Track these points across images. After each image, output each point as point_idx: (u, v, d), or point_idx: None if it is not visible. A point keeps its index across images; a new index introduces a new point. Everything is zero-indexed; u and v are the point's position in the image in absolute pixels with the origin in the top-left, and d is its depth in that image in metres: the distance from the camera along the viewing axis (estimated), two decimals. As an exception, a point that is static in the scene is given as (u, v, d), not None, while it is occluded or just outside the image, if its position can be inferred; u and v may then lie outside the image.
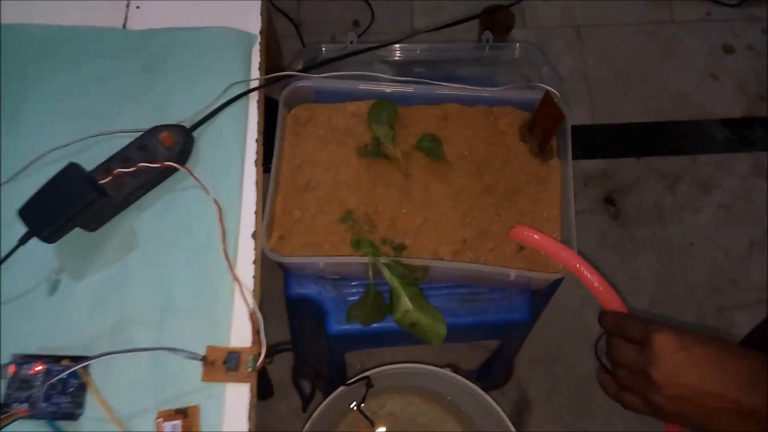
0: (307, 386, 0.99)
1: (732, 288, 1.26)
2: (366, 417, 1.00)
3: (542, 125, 0.68)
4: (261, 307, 0.59)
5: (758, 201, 1.33)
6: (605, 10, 1.50)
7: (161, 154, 0.60)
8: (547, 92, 0.65)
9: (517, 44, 0.77)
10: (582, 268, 0.56)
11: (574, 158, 0.68)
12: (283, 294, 0.71)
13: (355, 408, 0.99)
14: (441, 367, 0.92)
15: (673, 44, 1.47)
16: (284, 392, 1.13)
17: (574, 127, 0.68)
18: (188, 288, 0.58)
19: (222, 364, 0.55)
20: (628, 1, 1.51)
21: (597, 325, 0.55)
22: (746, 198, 1.33)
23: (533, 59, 0.76)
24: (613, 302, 0.54)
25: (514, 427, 0.88)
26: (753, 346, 0.82)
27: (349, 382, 0.84)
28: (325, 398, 0.90)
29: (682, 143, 1.39)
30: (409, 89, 0.70)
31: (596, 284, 0.54)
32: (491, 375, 1.10)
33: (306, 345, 0.86)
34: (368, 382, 0.90)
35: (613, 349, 0.51)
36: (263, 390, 1.10)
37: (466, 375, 0.95)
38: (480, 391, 0.89)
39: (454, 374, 0.89)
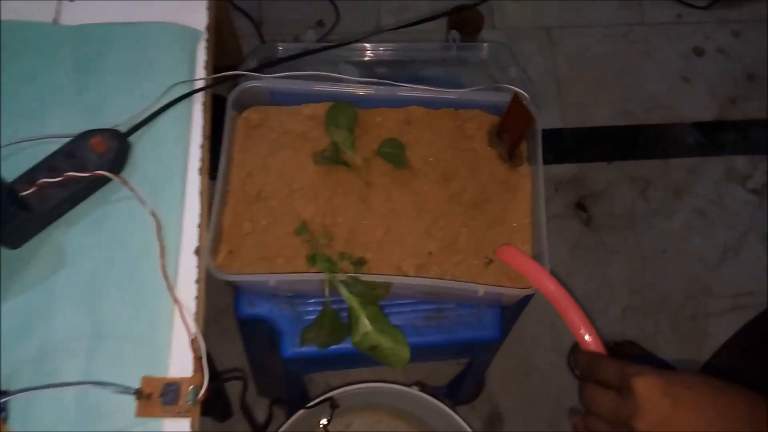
0: (262, 411, 0.93)
1: (706, 295, 1.24)
2: (332, 437, 0.94)
3: (511, 129, 0.64)
4: (205, 332, 0.53)
5: (731, 205, 1.31)
6: (576, 12, 1.47)
7: (92, 162, 0.54)
8: (516, 94, 0.61)
9: (485, 44, 0.73)
10: (564, 302, 0.51)
11: (544, 163, 0.64)
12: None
13: (321, 426, 0.94)
14: (408, 385, 0.88)
15: (644, 47, 1.45)
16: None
17: (544, 131, 0.64)
18: (122, 312, 0.52)
19: (159, 397, 0.50)
20: (600, 2, 1.48)
21: (569, 335, 0.50)
22: (719, 203, 1.31)
23: (501, 60, 0.71)
24: (591, 342, 0.49)
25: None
26: (731, 355, 0.79)
27: (310, 404, 0.79)
28: (286, 421, 0.84)
29: (654, 147, 1.37)
30: (370, 90, 0.65)
31: (576, 321, 0.50)
32: (462, 390, 1.05)
33: (262, 367, 0.80)
34: (333, 403, 0.85)
35: (586, 395, 0.46)
36: (221, 411, 1.04)
37: (435, 391, 0.90)
38: (448, 410, 0.85)
39: (420, 393, 0.85)
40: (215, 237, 0.58)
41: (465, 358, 0.90)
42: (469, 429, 0.85)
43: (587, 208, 1.30)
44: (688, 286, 1.25)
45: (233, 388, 1.07)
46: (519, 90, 0.63)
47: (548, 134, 0.64)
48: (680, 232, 1.29)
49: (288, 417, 0.85)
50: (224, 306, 0.63)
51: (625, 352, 1.16)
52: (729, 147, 1.37)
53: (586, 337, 0.50)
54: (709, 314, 1.22)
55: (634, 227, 1.29)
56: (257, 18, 1.38)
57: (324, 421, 0.92)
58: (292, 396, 0.87)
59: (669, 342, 1.20)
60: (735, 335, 0.80)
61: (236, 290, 0.65)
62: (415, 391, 0.86)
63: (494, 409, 1.14)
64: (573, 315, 0.50)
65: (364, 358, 0.60)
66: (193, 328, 0.52)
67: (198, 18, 0.63)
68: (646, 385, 0.40)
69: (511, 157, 0.66)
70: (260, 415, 1.05)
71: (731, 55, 1.45)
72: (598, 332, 0.50)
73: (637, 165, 1.34)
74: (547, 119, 1.36)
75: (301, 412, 0.81)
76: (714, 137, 1.37)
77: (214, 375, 0.52)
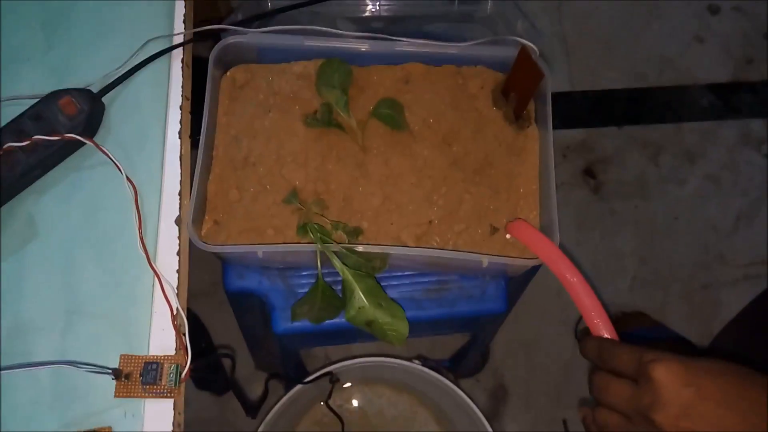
0: (261, 385, 0.91)
1: (718, 264, 1.20)
2: (334, 412, 0.91)
3: (518, 87, 0.59)
4: (189, 307, 0.50)
5: (745, 171, 1.26)
6: (584, -31, 1.40)
7: (62, 125, 0.50)
8: (524, 47, 0.56)
9: (489, -2, 0.68)
10: (579, 288, 0.47)
11: (553, 127, 0.59)
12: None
13: (322, 404, 0.91)
14: (410, 358, 0.84)
15: (656, 5, 1.39)
16: (243, 385, 1.05)
17: (552, 94, 0.59)
18: (98, 286, 0.49)
19: (139, 376, 0.46)
20: (609, -41, 1.41)
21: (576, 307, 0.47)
22: (733, 168, 1.26)
23: (507, 15, 0.66)
24: (603, 328, 0.45)
25: (490, 416, 0.81)
26: (739, 332, 0.76)
27: (307, 380, 0.76)
28: (284, 395, 0.81)
29: (666, 111, 1.31)
30: (365, 46, 0.60)
31: (588, 306, 0.46)
32: (465, 363, 1.02)
33: (257, 341, 0.77)
34: (332, 377, 0.82)
35: (597, 385, 0.42)
36: (219, 385, 1.01)
37: (437, 364, 0.87)
38: (450, 384, 0.82)
39: (422, 368, 0.81)
40: (199, 206, 0.54)
41: (468, 331, 0.87)
42: (471, 403, 0.82)
43: (596, 175, 1.25)
44: (699, 255, 1.21)
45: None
46: (527, 42, 0.58)
47: (555, 98, 0.59)
48: (692, 199, 1.24)
49: (286, 392, 0.82)
50: (218, 278, 0.59)
51: (634, 324, 1.12)
52: (744, 110, 1.31)
53: (590, 309, 0.46)
54: (721, 284, 1.18)
55: (644, 194, 1.24)
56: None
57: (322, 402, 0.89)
58: (290, 370, 0.84)
59: (679, 313, 1.17)
60: (742, 311, 0.76)
61: (224, 262, 0.61)
62: (416, 365, 0.82)
63: (499, 382, 1.11)
64: (586, 300, 0.46)
65: (361, 333, 0.56)
66: (175, 302, 0.48)
67: (176, -33, 0.58)
68: (666, 373, 0.37)
69: (518, 118, 0.61)
70: (258, 389, 1.02)
71: (748, 12, 1.38)
72: (607, 305, 0.47)
73: (649, 129, 1.29)
74: (554, 82, 1.30)
75: (298, 387, 0.78)
76: (729, 99, 1.32)
77: (207, 349, 0.48)
